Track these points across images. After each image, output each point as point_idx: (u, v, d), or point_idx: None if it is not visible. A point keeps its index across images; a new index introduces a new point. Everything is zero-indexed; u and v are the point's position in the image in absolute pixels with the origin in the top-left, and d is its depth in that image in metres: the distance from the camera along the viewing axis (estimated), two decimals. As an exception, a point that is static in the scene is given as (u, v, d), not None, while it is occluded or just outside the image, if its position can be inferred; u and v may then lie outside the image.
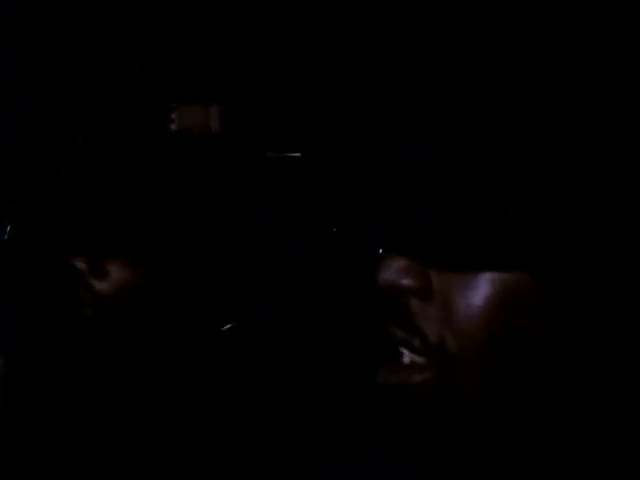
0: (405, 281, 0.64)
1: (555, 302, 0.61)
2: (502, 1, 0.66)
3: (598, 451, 0.63)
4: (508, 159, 0.62)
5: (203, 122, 1.28)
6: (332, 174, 1.19)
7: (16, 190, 1.20)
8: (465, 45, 0.66)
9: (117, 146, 1.22)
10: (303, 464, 0.89)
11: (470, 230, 0.62)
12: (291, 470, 0.93)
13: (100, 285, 1.20)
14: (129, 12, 1.26)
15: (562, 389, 0.63)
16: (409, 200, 0.64)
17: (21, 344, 1.17)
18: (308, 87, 1.22)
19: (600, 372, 0.62)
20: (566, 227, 0.61)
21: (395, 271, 0.63)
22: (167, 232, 1.20)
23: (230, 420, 1.11)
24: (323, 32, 1.13)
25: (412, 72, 0.69)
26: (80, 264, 1.20)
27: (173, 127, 1.28)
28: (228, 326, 1.20)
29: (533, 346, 0.62)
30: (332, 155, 1.18)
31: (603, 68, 0.62)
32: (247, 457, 1.07)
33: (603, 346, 0.62)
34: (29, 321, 1.18)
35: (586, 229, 0.61)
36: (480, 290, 0.61)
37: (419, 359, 0.64)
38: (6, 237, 1.20)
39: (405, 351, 0.65)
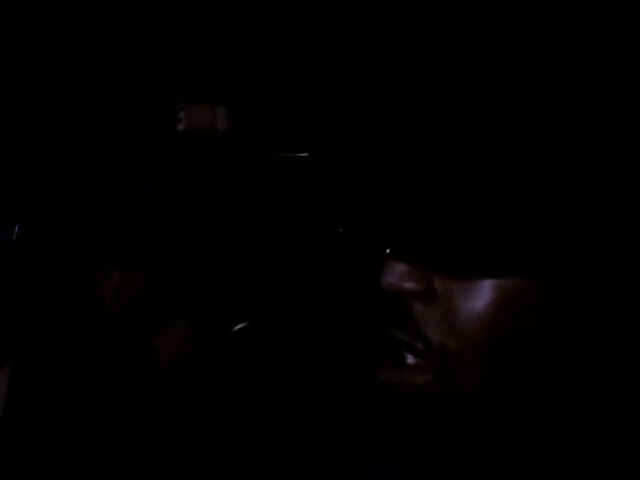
0: (408, 284, 0.64)
1: (555, 303, 0.61)
2: (501, 1, 0.66)
3: (598, 451, 0.63)
4: (508, 159, 0.62)
5: (210, 122, 1.28)
6: (335, 174, 1.19)
7: (21, 191, 1.20)
8: (465, 45, 0.66)
9: (123, 146, 1.23)
10: (303, 463, 0.89)
11: (471, 232, 0.62)
12: (291, 470, 0.93)
13: (103, 285, 1.21)
14: (136, 13, 1.27)
15: (562, 390, 0.63)
16: (410, 201, 0.64)
17: (28, 345, 1.18)
18: (309, 87, 1.22)
19: (600, 372, 0.62)
20: (566, 227, 0.61)
21: (398, 274, 0.63)
22: (171, 232, 1.20)
23: (231, 420, 1.11)
24: (323, 32, 1.13)
25: (412, 72, 0.69)
26: (84, 264, 1.20)
27: (180, 127, 1.29)
28: (239, 326, 1.20)
29: (533, 347, 0.62)
30: (334, 155, 1.18)
31: (603, 68, 0.62)
32: (247, 457, 1.07)
33: (603, 346, 0.61)
34: (35, 322, 1.18)
35: (586, 229, 0.61)
36: (481, 293, 0.61)
37: (421, 361, 0.64)
38: (14, 237, 1.21)
39: (407, 353, 0.65)
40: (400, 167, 0.66)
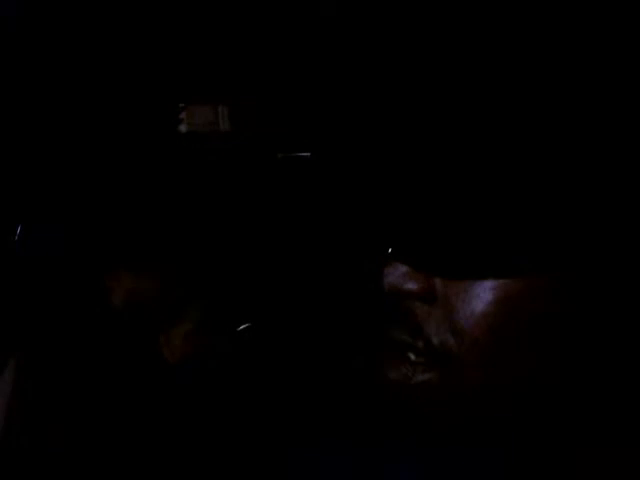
0: (409, 286, 0.65)
1: (555, 305, 0.62)
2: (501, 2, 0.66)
3: (597, 451, 0.63)
4: (505, 162, 0.62)
5: (212, 122, 1.28)
6: (337, 174, 1.19)
7: (27, 191, 1.21)
8: (465, 46, 0.67)
9: (126, 147, 1.23)
10: (303, 462, 0.90)
11: (470, 233, 0.62)
12: (290, 467, 0.93)
13: (112, 285, 1.21)
14: (137, 12, 1.27)
15: (561, 390, 0.63)
16: (410, 204, 0.65)
17: (34, 343, 1.18)
18: (312, 87, 1.22)
19: (600, 374, 0.62)
20: (564, 228, 0.61)
21: (400, 276, 0.64)
22: (177, 233, 1.21)
23: (233, 419, 1.12)
24: (324, 31, 1.13)
25: (412, 72, 0.69)
26: (93, 265, 1.20)
27: (182, 127, 1.29)
28: (244, 326, 1.20)
29: (533, 348, 0.62)
30: (337, 155, 1.19)
31: (602, 69, 0.62)
32: (248, 456, 1.07)
33: (602, 349, 0.62)
34: (42, 320, 1.19)
35: (586, 232, 0.61)
36: (481, 293, 0.62)
37: (422, 360, 0.65)
38: (17, 238, 1.21)
39: (408, 352, 0.66)
40: (400, 168, 0.66)
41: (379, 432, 0.81)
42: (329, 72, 1.20)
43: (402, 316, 0.64)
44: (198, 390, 1.14)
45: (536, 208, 0.61)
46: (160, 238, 1.20)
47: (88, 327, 1.17)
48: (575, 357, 0.62)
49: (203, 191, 1.23)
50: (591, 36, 0.62)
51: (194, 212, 1.21)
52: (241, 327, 1.19)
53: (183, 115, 1.28)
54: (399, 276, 0.64)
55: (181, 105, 1.28)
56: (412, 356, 0.64)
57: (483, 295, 0.62)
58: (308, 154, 1.27)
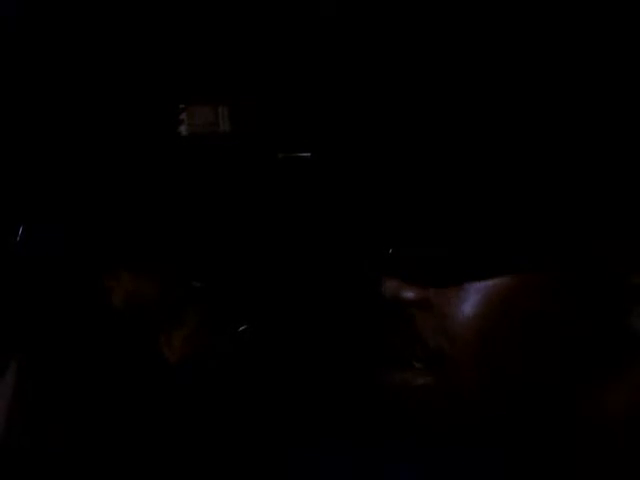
0: (406, 294, 0.67)
1: (548, 303, 0.63)
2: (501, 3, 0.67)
3: (592, 450, 0.64)
4: (500, 163, 0.63)
5: (212, 122, 1.29)
6: (337, 174, 1.20)
7: (28, 192, 1.21)
8: (465, 46, 0.67)
9: (126, 148, 1.23)
10: (303, 462, 0.90)
11: (462, 236, 0.64)
12: (290, 467, 0.94)
13: (112, 285, 1.21)
14: (138, 15, 1.27)
15: (555, 388, 0.64)
16: (407, 209, 0.66)
17: (35, 343, 1.18)
18: (312, 87, 1.22)
19: (593, 371, 0.63)
20: (552, 232, 0.62)
21: (397, 285, 0.66)
22: (177, 233, 1.21)
23: (231, 419, 1.12)
24: (324, 29, 1.13)
25: (413, 72, 0.70)
26: (93, 264, 1.21)
27: (183, 128, 1.29)
28: (243, 327, 1.20)
29: (526, 347, 0.63)
30: (337, 155, 1.19)
31: (602, 70, 0.63)
32: (248, 456, 1.07)
33: (595, 346, 0.63)
34: (43, 320, 1.19)
35: (580, 230, 0.62)
36: (472, 298, 0.64)
37: (419, 364, 0.66)
38: (18, 238, 1.22)
39: (406, 356, 0.67)
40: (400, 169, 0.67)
41: (379, 432, 0.82)
42: (329, 72, 1.20)
43: (401, 323, 0.66)
44: (198, 390, 1.14)
45: (531, 207, 0.62)
46: (160, 238, 1.20)
47: (88, 327, 1.17)
48: (569, 355, 0.63)
49: (203, 191, 1.23)
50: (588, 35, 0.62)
51: (194, 212, 1.22)
52: (241, 328, 1.19)
53: (183, 116, 1.29)
54: (397, 285, 0.66)
55: (181, 106, 1.29)
56: (411, 360, 0.66)
57: (473, 297, 0.64)
58: (308, 154, 1.27)
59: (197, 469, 1.09)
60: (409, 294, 0.65)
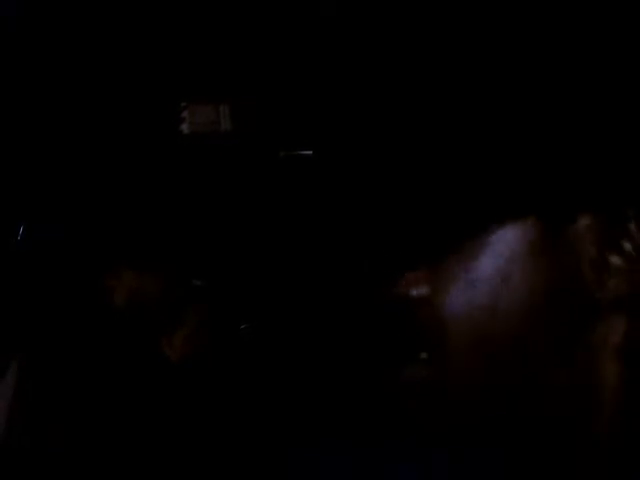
0: (412, 292, 0.68)
1: (534, 304, 0.64)
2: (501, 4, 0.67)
3: (586, 444, 0.64)
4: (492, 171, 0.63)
5: (213, 121, 1.28)
6: (339, 173, 1.19)
7: (28, 191, 1.21)
8: (464, 46, 0.67)
9: (127, 146, 1.23)
10: (303, 462, 0.90)
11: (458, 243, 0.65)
12: (290, 467, 0.94)
13: (113, 284, 1.21)
14: (138, 12, 1.27)
15: (544, 385, 0.64)
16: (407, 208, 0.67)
17: (36, 343, 1.18)
18: (314, 85, 1.22)
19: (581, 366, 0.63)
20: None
21: (404, 283, 0.67)
22: (179, 232, 1.21)
23: (232, 419, 1.12)
24: (325, 28, 1.13)
25: (414, 72, 0.70)
26: (94, 263, 1.20)
27: (184, 126, 1.29)
28: (244, 326, 1.20)
29: (521, 344, 0.64)
30: (339, 153, 1.18)
31: (601, 71, 0.63)
32: (248, 456, 1.07)
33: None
34: (44, 320, 1.19)
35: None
36: (466, 297, 0.65)
37: (424, 355, 0.68)
38: (19, 237, 1.21)
39: (410, 351, 0.68)
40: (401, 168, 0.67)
41: (379, 432, 0.82)
42: (331, 70, 1.20)
43: (403, 319, 0.67)
44: (198, 390, 1.14)
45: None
46: (162, 236, 1.20)
47: (89, 327, 1.17)
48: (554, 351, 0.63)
49: (205, 190, 1.23)
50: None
51: (196, 211, 1.22)
52: (242, 327, 1.19)
53: (185, 114, 1.28)
54: (404, 284, 0.66)
55: (183, 104, 1.28)
56: (416, 353, 0.67)
57: (470, 296, 0.64)
58: (310, 152, 1.27)
59: (197, 469, 1.09)
60: (415, 291, 0.66)
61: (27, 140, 1.21)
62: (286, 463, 0.95)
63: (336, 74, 1.16)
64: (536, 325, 0.65)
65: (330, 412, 0.97)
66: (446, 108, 0.68)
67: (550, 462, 0.68)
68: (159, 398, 1.13)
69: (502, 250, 0.64)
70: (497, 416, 0.66)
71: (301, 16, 1.23)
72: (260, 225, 1.25)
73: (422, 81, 0.70)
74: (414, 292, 0.68)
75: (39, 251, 1.20)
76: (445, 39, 0.69)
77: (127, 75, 1.25)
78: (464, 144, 0.67)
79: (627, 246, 0.62)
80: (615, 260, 0.62)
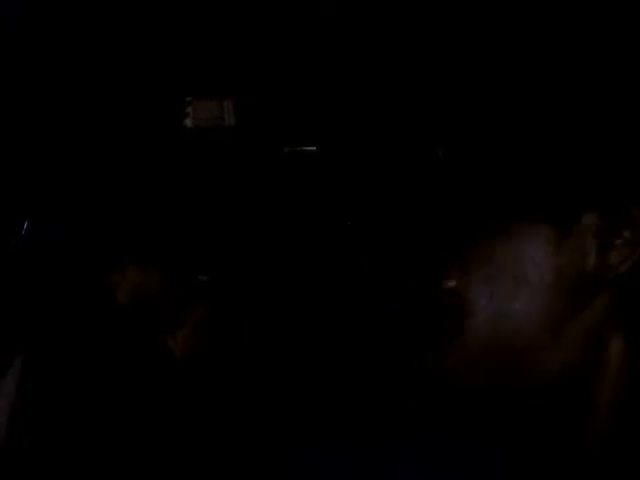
0: (407, 292, 0.68)
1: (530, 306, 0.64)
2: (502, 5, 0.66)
3: (586, 444, 0.64)
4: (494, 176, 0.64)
5: (218, 116, 1.28)
6: (343, 168, 1.19)
7: (30, 187, 1.21)
8: (464, 46, 0.67)
9: (131, 142, 1.23)
10: (303, 462, 0.91)
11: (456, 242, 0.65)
12: (290, 467, 0.94)
13: (117, 280, 1.21)
14: (142, 7, 1.27)
15: (544, 385, 0.65)
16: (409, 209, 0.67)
17: (39, 340, 1.18)
18: (317, 81, 1.21)
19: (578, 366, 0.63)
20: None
21: (402, 282, 0.67)
22: (183, 228, 1.21)
23: (232, 419, 1.12)
24: (326, 26, 1.12)
25: (415, 72, 0.70)
26: (98, 259, 1.21)
27: (188, 121, 1.28)
28: (244, 326, 1.20)
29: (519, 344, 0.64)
30: (343, 149, 1.18)
31: (601, 72, 0.63)
32: (248, 456, 1.07)
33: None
34: (47, 316, 1.19)
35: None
36: (488, 295, 0.65)
37: (420, 359, 0.68)
38: (24, 232, 1.22)
39: (409, 350, 0.68)
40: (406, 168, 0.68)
41: (379, 432, 0.82)
42: (334, 66, 1.19)
43: (402, 318, 0.67)
44: (199, 389, 1.14)
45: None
46: (166, 232, 1.20)
47: (92, 324, 1.17)
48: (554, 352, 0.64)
49: (208, 185, 1.23)
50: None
51: (199, 207, 1.21)
52: (242, 326, 1.19)
53: (188, 110, 1.28)
54: (397, 284, 0.67)
55: (186, 99, 1.28)
56: (413, 355, 0.67)
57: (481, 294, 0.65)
58: (314, 148, 1.26)
59: (197, 468, 1.09)
60: (409, 292, 0.66)
61: (29, 138, 1.21)
62: (286, 463, 0.95)
63: (340, 70, 1.16)
64: (548, 323, 0.65)
65: (330, 412, 0.97)
66: (450, 107, 0.68)
67: (551, 462, 0.68)
68: (160, 397, 1.14)
69: (515, 249, 0.65)
70: (500, 413, 0.66)
71: (306, 10, 1.22)
72: (263, 221, 1.24)
73: (428, 74, 0.70)
74: (414, 289, 0.69)
75: (42, 248, 1.20)
76: (448, 37, 0.69)
77: (131, 71, 1.25)
78: (468, 142, 0.67)
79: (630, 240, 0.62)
80: (618, 256, 0.62)
